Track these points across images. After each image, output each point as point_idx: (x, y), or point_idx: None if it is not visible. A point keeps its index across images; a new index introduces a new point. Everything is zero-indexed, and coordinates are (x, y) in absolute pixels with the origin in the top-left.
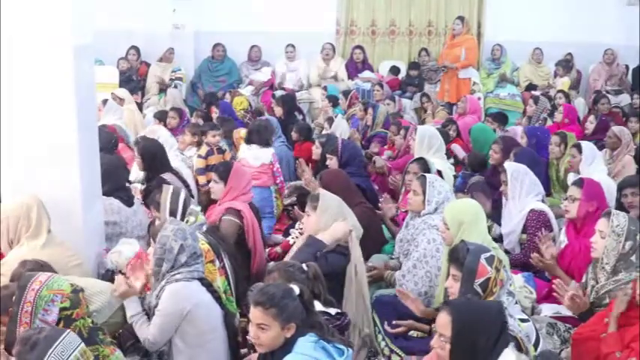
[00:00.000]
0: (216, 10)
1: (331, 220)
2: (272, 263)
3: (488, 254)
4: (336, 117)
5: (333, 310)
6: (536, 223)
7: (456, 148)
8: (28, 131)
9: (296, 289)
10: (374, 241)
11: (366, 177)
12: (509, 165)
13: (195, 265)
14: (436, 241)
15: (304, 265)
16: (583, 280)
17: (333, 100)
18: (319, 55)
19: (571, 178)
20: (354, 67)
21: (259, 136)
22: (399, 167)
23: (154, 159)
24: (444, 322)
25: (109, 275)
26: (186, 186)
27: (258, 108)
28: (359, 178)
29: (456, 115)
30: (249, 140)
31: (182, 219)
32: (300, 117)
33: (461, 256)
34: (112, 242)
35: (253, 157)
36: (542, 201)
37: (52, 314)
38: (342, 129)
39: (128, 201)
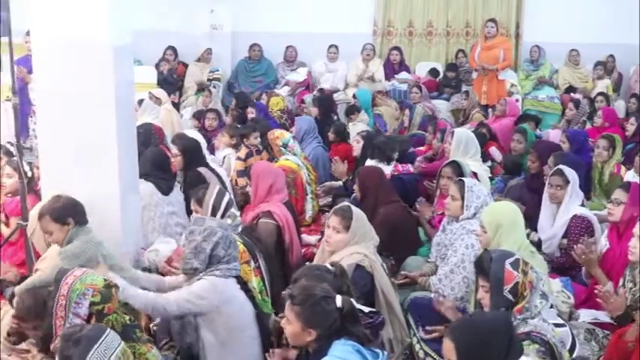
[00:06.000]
0: (253, 11)
1: (360, 239)
2: (307, 264)
3: (512, 259)
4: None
5: (366, 309)
6: (579, 229)
7: (494, 150)
8: (67, 130)
9: (339, 301)
10: (408, 242)
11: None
12: (570, 170)
13: (234, 263)
14: (474, 246)
15: (329, 265)
16: (620, 283)
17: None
18: (359, 56)
19: (629, 178)
20: (391, 68)
21: (380, 153)
22: (434, 170)
23: (193, 154)
24: (448, 347)
25: None
26: (222, 182)
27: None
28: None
29: (492, 117)
30: (372, 155)
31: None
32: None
33: (486, 266)
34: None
35: None
36: (583, 205)
37: (82, 307)
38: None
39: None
